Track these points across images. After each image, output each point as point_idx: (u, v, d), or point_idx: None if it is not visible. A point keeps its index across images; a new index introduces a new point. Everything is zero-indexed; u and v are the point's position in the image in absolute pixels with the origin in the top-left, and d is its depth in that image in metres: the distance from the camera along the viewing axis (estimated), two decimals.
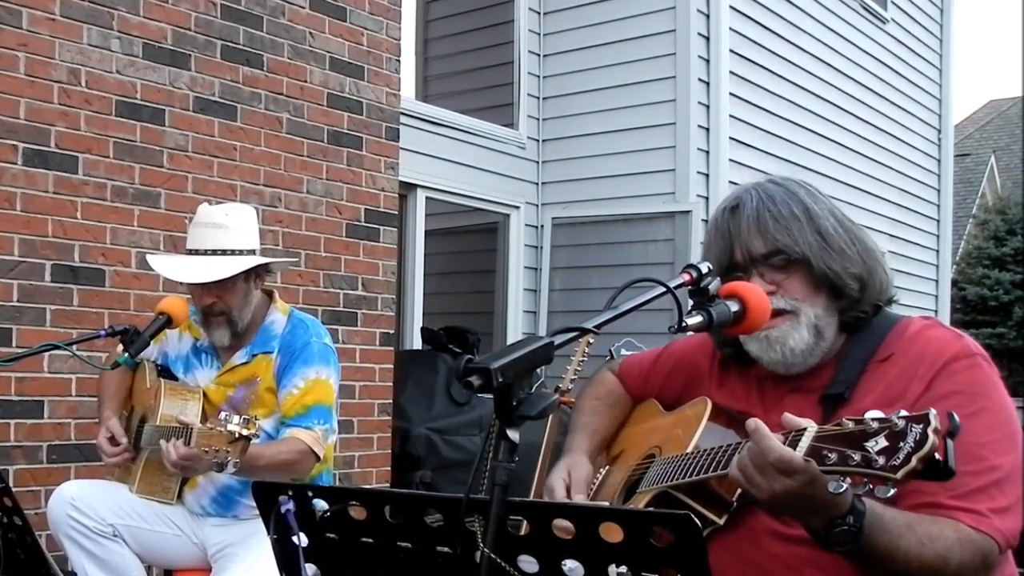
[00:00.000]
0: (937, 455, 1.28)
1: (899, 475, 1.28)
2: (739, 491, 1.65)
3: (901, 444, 1.29)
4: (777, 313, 1.68)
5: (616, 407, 2.14)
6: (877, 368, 1.69)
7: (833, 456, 1.35)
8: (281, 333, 2.99)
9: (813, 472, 1.37)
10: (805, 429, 1.41)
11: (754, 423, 1.42)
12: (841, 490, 1.34)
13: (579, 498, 1.93)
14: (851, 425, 1.35)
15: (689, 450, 1.74)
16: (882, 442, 1.31)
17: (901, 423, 1.30)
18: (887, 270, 1.77)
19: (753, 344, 1.75)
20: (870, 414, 1.34)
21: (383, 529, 1.40)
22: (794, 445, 1.40)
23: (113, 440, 2.91)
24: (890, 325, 1.74)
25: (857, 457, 1.32)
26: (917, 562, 1.46)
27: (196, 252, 2.88)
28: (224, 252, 2.86)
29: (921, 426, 1.29)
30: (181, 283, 2.94)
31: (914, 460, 1.28)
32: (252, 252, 2.94)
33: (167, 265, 3.00)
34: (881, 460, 1.30)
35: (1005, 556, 1.61)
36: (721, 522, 1.68)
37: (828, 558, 1.48)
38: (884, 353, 1.70)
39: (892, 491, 1.30)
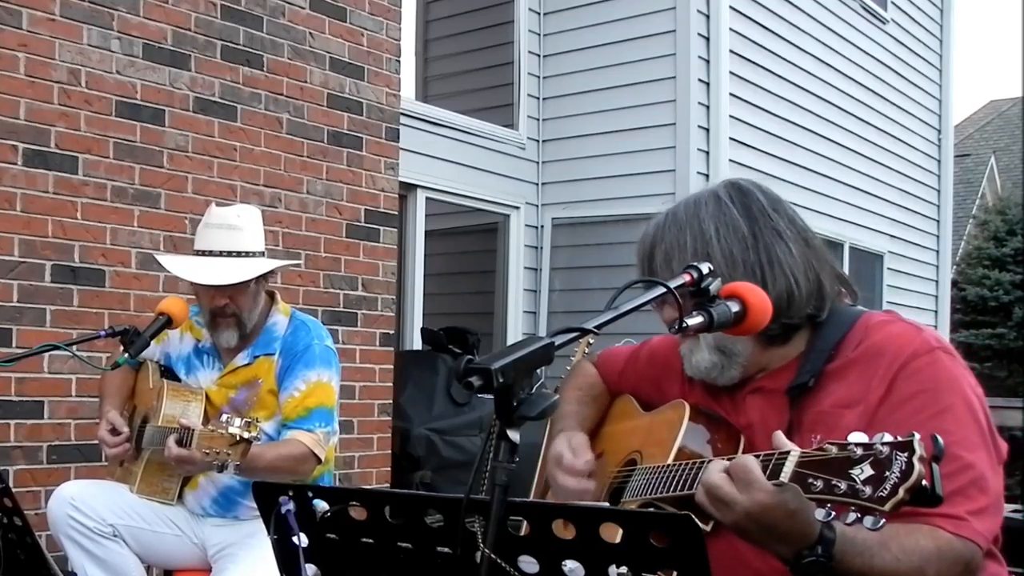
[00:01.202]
0: (924, 482, 1.25)
1: (887, 507, 1.25)
2: None
3: (887, 473, 1.26)
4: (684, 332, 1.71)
5: (599, 399, 2.13)
6: (838, 367, 1.68)
7: (819, 484, 1.32)
8: (283, 335, 2.99)
9: (798, 503, 1.36)
10: (789, 452, 1.38)
11: (742, 463, 1.42)
12: (830, 518, 1.32)
13: (586, 456, 1.92)
14: (834, 450, 1.32)
15: (671, 460, 1.73)
16: (868, 470, 1.28)
17: (885, 450, 1.27)
18: (800, 280, 1.70)
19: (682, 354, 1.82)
20: (853, 437, 1.31)
21: (383, 529, 1.40)
22: (777, 470, 1.38)
23: (114, 431, 2.91)
24: (850, 322, 1.72)
25: (843, 486, 1.29)
26: None
27: (209, 253, 2.88)
28: (239, 254, 2.88)
29: (906, 454, 1.26)
30: (194, 283, 2.91)
31: (901, 491, 1.25)
32: (262, 253, 2.96)
33: (182, 266, 2.96)
34: (868, 490, 1.27)
35: (996, 558, 1.60)
36: (708, 528, 1.67)
37: None
38: (844, 351, 1.69)
39: (882, 522, 1.27)
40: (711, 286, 1.53)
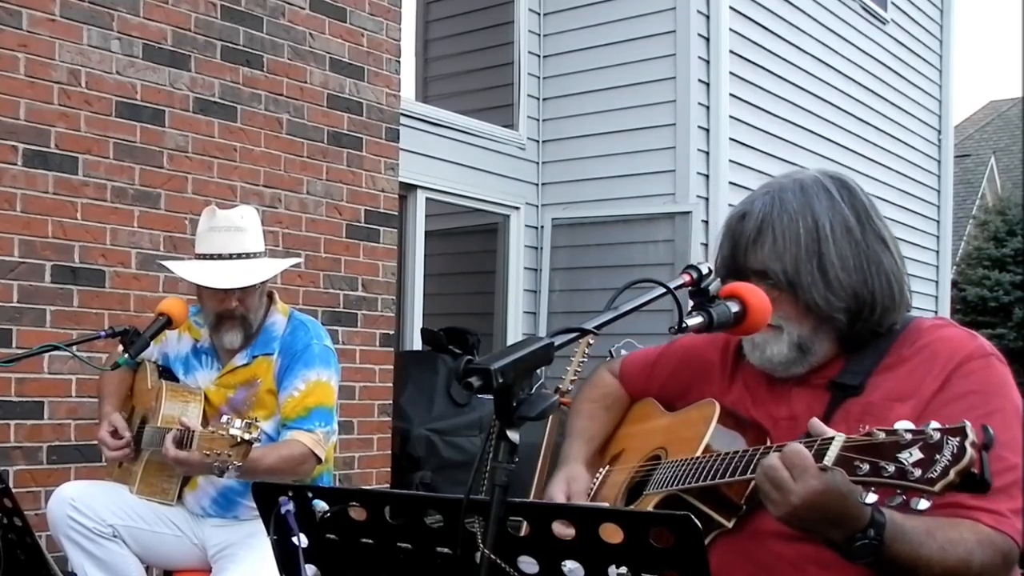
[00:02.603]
0: (974, 468, 1.27)
1: (937, 488, 1.27)
2: (747, 494, 1.65)
3: (938, 456, 1.28)
4: None
5: (613, 408, 2.12)
6: (889, 363, 1.69)
7: (865, 467, 1.34)
8: (281, 335, 3.00)
9: (846, 486, 1.37)
10: (833, 438, 1.40)
11: (794, 448, 1.42)
12: (872, 501, 1.33)
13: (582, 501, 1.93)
14: (882, 436, 1.34)
15: (699, 453, 1.73)
16: (916, 454, 1.30)
17: (936, 435, 1.29)
18: (902, 289, 1.72)
19: (745, 343, 1.79)
20: (900, 424, 1.33)
21: (383, 530, 1.40)
22: (821, 454, 1.39)
23: (115, 434, 2.91)
24: (903, 326, 1.74)
25: (891, 468, 1.31)
26: (940, 568, 1.47)
27: (218, 257, 2.88)
28: (246, 255, 2.89)
29: (958, 439, 1.28)
30: (205, 287, 2.89)
31: (952, 473, 1.27)
32: (264, 253, 2.98)
33: (193, 271, 2.93)
34: (917, 472, 1.29)
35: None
36: (730, 525, 1.68)
37: (832, 556, 1.48)
38: (896, 353, 1.70)
39: (928, 504, 1.29)
40: (711, 286, 1.53)
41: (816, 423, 1.45)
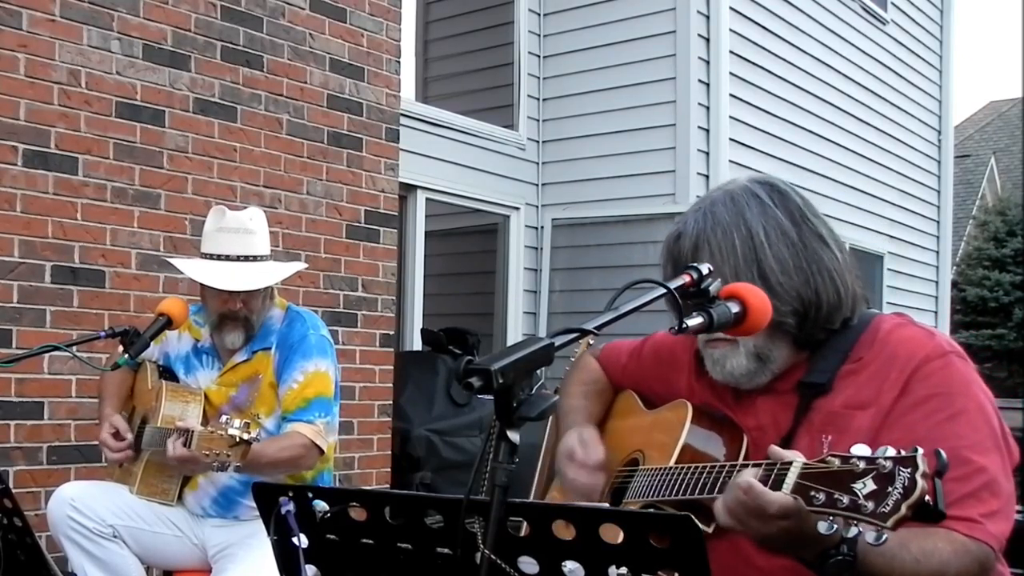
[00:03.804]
0: (927, 498, 1.24)
1: (890, 523, 1.25)
2: None
3: (890, 489, 1.25)
4: (719, 338, 1.69)
5: (603, 393, 2.11)
6: (850, 368, 1.68)
7: (821, 496, 1.32)
8: (279, 328, 3.00)
9: (805, 511, 1.36)
10: (791, 463, 1.38)
11: (746, 483, 1.39)
12: (832, 531, 1.31)
13: (598, 449, 1.92)
14: (837, 463, 1.31)
15: (673, 461, 1.72)
16: (870, 484, 1.27)
17: (888, 464, 1.26)
18: (846, 284, 1.71)
19: (706, 359, 1.78)
20: (856, 449, 1.31)
21: (383, 530, 1.40)
22: (779, 482, 1.38)
23: (117, 435, 2.91)
24: (863, 325, 1.72)
25: (845, 500, 1.28)
26: None
27: (226, 258, 2.87)
28: (254, 258, 2.90)
29: (909, 470, 1.25)
30: (211, 287, 2.88)
31: (904, 508, 1.24)
32: (270, 255, 2.99)
33: (202, 272, 2.91)
34: (870, 505, 1.26)
35: (998, 558, 1.61)
36: (710, 530, 1.67)
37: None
38: (856, 355, 1.69)
39: (885, 537, 1.26)
40: (711, 287, 1.53)
41: (774, 449, 1.44)
